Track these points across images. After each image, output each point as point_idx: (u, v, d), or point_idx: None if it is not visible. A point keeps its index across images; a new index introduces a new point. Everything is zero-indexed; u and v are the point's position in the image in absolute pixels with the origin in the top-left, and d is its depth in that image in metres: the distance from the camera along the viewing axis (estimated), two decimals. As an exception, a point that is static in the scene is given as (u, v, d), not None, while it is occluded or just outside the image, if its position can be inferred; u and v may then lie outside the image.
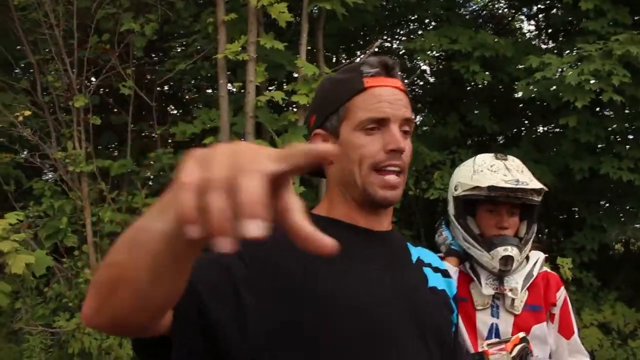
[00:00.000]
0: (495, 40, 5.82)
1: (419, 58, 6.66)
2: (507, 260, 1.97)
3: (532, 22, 8.44)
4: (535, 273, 2.07)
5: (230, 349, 0.92)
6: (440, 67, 7.75)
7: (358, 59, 8.14)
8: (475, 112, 6.86)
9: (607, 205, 6.59)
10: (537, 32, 8.45)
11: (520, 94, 6.48)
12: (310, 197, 4.93)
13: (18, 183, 5.60)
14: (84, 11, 5.08)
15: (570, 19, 6.68)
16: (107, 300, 0.74)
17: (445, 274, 1.37)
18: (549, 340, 2.04)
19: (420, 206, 7.08)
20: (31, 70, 5.87)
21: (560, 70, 5.15)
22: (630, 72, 4.77)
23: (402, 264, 1.25)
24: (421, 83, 8.13)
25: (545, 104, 6.50)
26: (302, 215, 0.57)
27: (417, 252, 1.31)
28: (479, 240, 2.01)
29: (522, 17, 8.39)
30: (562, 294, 2.11)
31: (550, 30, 8.09)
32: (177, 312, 0.86)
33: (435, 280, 1.30)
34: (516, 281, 2.02)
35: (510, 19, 8.58)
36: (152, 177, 5.92)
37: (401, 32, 8.40)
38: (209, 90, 6.72)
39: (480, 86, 7.16)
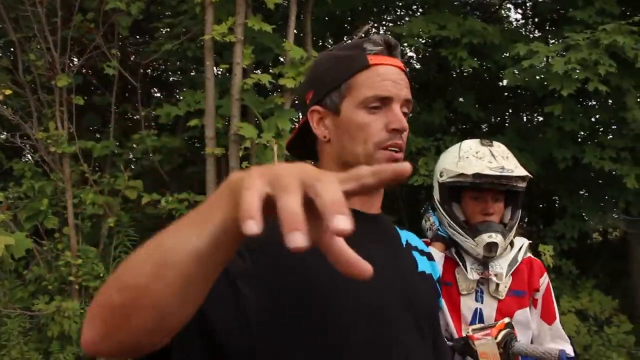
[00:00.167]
0: (484, 27, 5.80)
1: (405, 44, 6.64)
2: (491, 247, 1.98)
3: (520, 10, 8.44)
4: (519, 259, 2.09)
5: (233, 346, 0.88)
6: (427, 53, 7.74)
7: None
8: (461, 99, 6.87)
9: (588, 194, 6.66)
10: (523, 21, 8.45)
11: (505, 82, 6.50)
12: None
13: (-2, 163, 5.52)
14: (68, -12, 4.98)
15: (558, 7, 6.68)
16: (120, 325, 0.68)
17: (430, 257, 1.37)
18: (531, 326, 2.07)
19: (404, 192, 7.11)
20: (12, 49, 5.75)
21: (547, 58, 5.16)
22: (616, 62, 4.80)
23: (395, 248, 1.24)
24: (407, 69, 8.09)
25: (530, 92, 6.53)
26: (343, 241, 0.57)
27: (405, 236, 1.31)
28: (464, 227, 2.02)
29: (510, 5, 8.39)
30: (545, 280, 2.13)
31: (537, 19, 8.10)
32: None
33: (423, 264, 1.30)
34: (501, 266, 2.04)
35: (497, 7, 8.57)
36: (135, 159, 5.86)
37: (388, 17, 8.37)
38: (194, 73, 6.64)
39: (466, 74, 7.16)
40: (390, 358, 1.03)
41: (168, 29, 5.96)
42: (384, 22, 8.37)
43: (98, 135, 6.10)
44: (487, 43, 5.88)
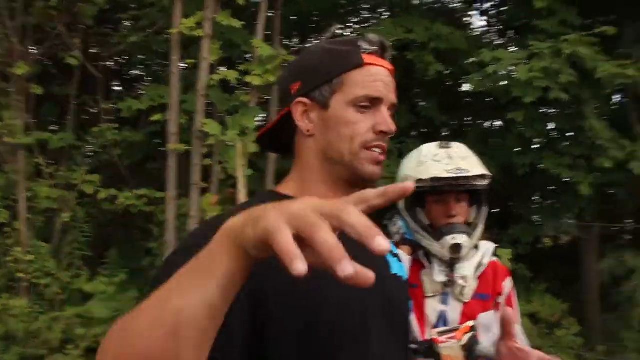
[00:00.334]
0: (451, 32, 5.88)
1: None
2: (456, 248, 2.00)
3: (484, 17, 8.58)
4: (485, 262, 2.11)
5: None
6: (393, 56, 7.77)
7: (310, 44, 8.11)
8: (424, 103, 6.95)
9: (543, 200, 6.83)
10: (487, 28, 8.60)
11: (469, 87, 6.60)
12: (258, 180, 4.86)
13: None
14: (30, -27, 4.82)
15: (521, 16, 6.82)
16: None
17: (399, 258, 1.37)
18: (494, 329, 2.09)
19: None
20: (-34, 34, 5.52)
21: (511, 66, 5.26)
22: (576, 72, 4.93)
23: (363, 257, 1.22)
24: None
25: (491, 98, 6.65)
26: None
27: None
28: (429, 231, 2.03)
29: (474, 12, 8.52)
30: (508, 283, 2.16)
31: (500, 27, 8.25)
32: None
33: (395, 266, 1.29)
34: (468, 269, 2.06)
35: (462, 13, 8.70)
36: (93, 153, 5.72)
37: (354, 20, 8.39)
38: (158, 67, 6.52)
39: (428, 78, 7.25)
40: None
41: (133, 21, 5.83)
42: (349, 24, 8.40)
43: (56, 127, 5.92)
44: (452, 49, 5.96)
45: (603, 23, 5.14)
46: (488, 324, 2.06)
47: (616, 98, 6.34)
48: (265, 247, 0.60)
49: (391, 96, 1.12)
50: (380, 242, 0.56)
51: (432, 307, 2.03)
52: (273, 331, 0.92)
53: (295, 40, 7.79)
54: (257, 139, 1.26)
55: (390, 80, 1.14)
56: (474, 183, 1.99)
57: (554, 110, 6.13)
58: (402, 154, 5.63)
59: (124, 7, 5.81)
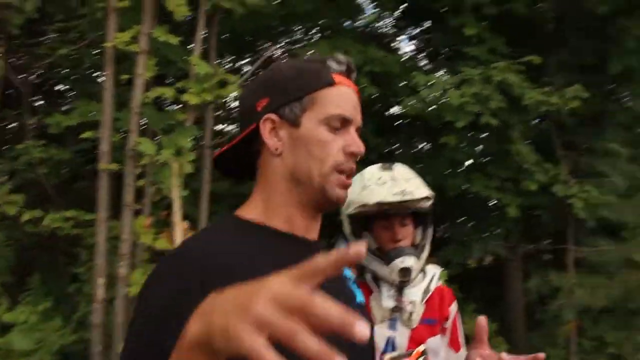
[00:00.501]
0: (385, 56, 6.01)
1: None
2: (405, 271, 2.01)
3: (414, 42, 8.80)
4: (432, 287, 2.13)
5: None
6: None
7: (244, 62, 8.07)
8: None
9: (473, 222, 7.05)
10: (415, 53, 8.82)
11: (402, 110, 6.75)
12: (193, 202, 4.73)
13: None
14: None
15: (451, 43, 7.07)
16: None
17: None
18: (442, 353, 2.11)
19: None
20: None
21: (443, 90, 5.43)
22: (505, 98, 5.15)
23: (338, 280, 1.20)
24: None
25: (422, 122, 6.82)
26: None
27: None
28: (377, 255, 2.03)
29: (404, 36, 8.73)
30: (454, 307, 2.19)
31: (429, 52, 8.49)
32: None
33: (359, 295, 1.27)
34: (415, 294, 2.06)
35: (392, 38, 8.90)
36: (16, 171, 5.38)
37: (286, 40, 8.40)
38: (86, 83, 6.26)
39: (363, 101, 7.35)
40: None
41: (60, 33, 5.58)
42: (281, 44, 8.40)
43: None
44: (385, 72, 6.08)
45: (528, 52, 5.40)
46: (436, 348, 2.08)
47: (536, 123, 6.68)
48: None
49: (359, 118, 1.11)
50: (361, 329, 0.53)
51: (381, 332, 2.02)
52: None
53: (228, 59, 7.72)
54: (214, 161, 1.20)
55: (358, 102, 1.12)
56: (419, 205, 2.01)
57: (482, 135, 6.37)
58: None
59: (52, 17, 5.55)
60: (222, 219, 1.14)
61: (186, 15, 4.25)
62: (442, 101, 5.34)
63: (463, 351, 2.16)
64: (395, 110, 7.44)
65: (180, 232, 3.87)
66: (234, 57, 8.01)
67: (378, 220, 2.03)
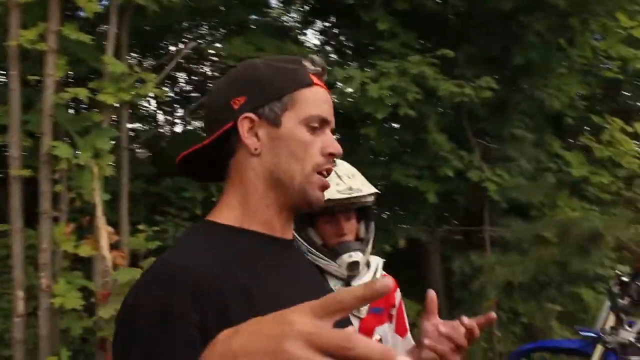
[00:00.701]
0: (301, 51, 6.02)
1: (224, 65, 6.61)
2: (353, 265, 2.05)
3: (322, 37, 8.77)
4: (378, 277, 2.18)
5: None
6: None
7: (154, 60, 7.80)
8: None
9: (396, 209, 7.26)
10: (321, 47, 8.80)
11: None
12: (111, 205, 4.51)
13: None
14: None
15: (364, 38, 7.19)
16: None
17: None
18: (388, 340, 2.17)
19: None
20: None
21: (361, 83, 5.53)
22: (421, 90, 5.33)
23: (313, 274, 1.23)
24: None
25: (342, 115, 6.92)
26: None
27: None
28: (323, 251, 2.06)
29: (312, 30, 8.72)
30: (398, 294, 2.26)
31: (336, 46, 8.56)
32: None
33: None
34: (362, 286, 2.10)
35: (298, 32, 8.86)
36: None
37: (189, 36, 8.19)
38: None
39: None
40: None
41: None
42: (185, 41, 8.17)
43: None
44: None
45: (439, 46, 5.62)
46: (384, 336, 2.14)
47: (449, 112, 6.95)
48: None
49: (333, 120, 1.11)
50: None
51: (330, 324, 2.05)
52: None
53: (135, 56, 7.44)
54: (177, 163, 1.14)
55: (332, 104, 1.13)
56: (365, 200, 2.05)
57: (399, 125, 6.54)
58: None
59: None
60: (199, 228, 1.09)
61: (96, 12, 4.05)
62: (361, 94, 5.43)
63: (409, 335, 2.24)
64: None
65: (105, 237, 3.71)
66: (139, 55, 7.74)
67: (322, 216, 2.05)
